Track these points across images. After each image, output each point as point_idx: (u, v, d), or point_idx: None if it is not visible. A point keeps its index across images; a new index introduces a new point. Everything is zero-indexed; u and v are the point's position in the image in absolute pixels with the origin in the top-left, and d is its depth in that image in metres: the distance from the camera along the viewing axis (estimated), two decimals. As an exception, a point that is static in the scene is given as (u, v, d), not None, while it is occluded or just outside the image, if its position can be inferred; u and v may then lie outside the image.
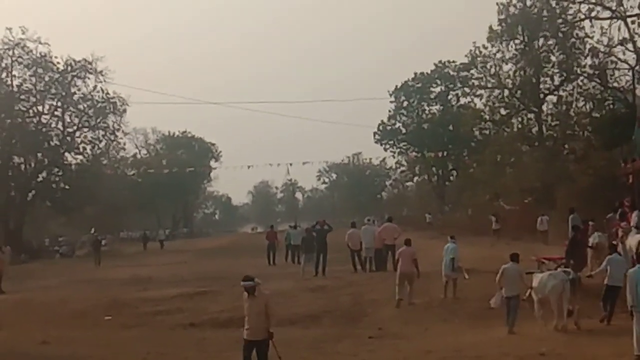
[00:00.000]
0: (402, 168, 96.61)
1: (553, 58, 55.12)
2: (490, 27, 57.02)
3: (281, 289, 26.04)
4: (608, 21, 50.17)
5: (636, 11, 48.17)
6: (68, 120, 66.35)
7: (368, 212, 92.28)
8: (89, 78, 64.89)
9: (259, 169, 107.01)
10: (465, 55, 63.12)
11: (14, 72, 62.59)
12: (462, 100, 78.82)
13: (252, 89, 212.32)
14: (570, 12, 53.01)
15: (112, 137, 68.36)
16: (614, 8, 49.25)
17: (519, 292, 18.79)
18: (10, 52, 61.40)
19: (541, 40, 55.61)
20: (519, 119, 59.29)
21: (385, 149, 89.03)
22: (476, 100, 67.23)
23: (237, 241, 72.73)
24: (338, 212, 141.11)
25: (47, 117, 65.25)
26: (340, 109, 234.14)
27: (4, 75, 62.19)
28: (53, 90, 64.06)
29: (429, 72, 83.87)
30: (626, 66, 50.21)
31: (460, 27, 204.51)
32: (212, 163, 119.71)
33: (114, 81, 66.23)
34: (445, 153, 78.74)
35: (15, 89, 62.81)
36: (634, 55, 49.02)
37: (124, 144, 74.67)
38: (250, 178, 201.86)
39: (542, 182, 50.72)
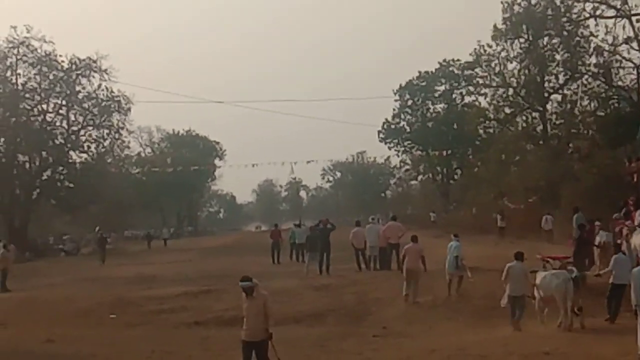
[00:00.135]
0: (407, 167, 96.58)
1: (558, 57, 55.11)
2: (495, 26, 57.07)
3: (286, 287, 26.13)
4: (613, 20, 50.18)
5: (641, 10, 48.22)
6: (73, 118, 66.48)
7: (372, 211, 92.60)
8: (93, 76, 65.02)
9: (263, 168, 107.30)
10: (470, 54, 63.26)
11: (19, 71, 62.71)
12: (467, 99, 79.15)
13: (257, 88, 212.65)
14: (575, 10, 53.01)
15: (117, 136, 68.34)
16: (618, 7, 49.25)
17: (524, 292, 18.81)
18: (15, 51, 61.46)
19: (546, 39, 55.62)
20: (524, 117, 59.30)
21: (390, 148, 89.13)
22: (481, 98, 67.52)
23: (242, 240, 72.71)
24: (342, 210, 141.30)
25: (52, 115, 65.37)
26: (344, 107, 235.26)
27: (8, 73, 62.31)
28: (58, 89, 64.09)
29: (433, 70, 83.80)
30: (631, 65, 50.17)
31: (464, 26, 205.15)
32: (217, 162, 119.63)
33: (119, 80, 66.37)
34: (449, 152, 78.63)
35: (20, 87, 62.89)
36: (639, 54, 49.04)
37: (129, 142, 74.55)
38: (255, 177, 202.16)
39: (547, 181, 50.66)
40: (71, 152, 67.29)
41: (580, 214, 30.95)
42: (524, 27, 55.71)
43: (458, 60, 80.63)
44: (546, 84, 56.29)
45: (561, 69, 55.17)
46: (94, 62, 63.98)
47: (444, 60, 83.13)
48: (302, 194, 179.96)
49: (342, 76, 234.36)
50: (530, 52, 55.52)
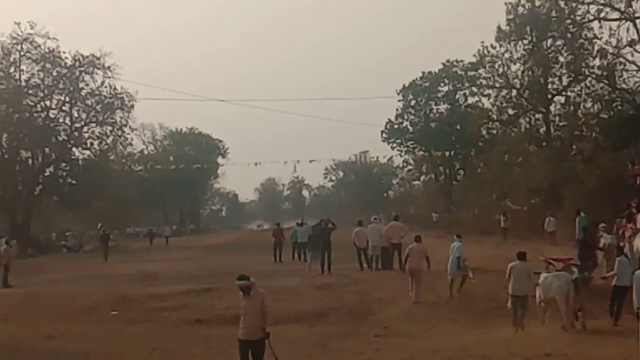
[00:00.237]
0: (409, 167, 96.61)
1: (561, 58, 55.07)
2: (499, 27, 56.98)
3: (287, 286, 26.17)
4: (617, 22, 50.12)
5: (645, 12, 48.18)
6: (76, 115, 66.55)
7: (375, 211, 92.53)
8: (97, 73, 65.08)
9: (266, 166, 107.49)
10: (474, 55, 63.15)
11: (22, 67, 62.83)
12: (470, 100, 78.91)
13: (260, 87, 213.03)
14: (579, 12, 52.93)
15: (120, 133, 68.35)
16: (622, 9, 49.19)
17: (527, 293, 18.81)
18: (19, 47, 61.53)
19: (549, 41, 55.56)
20: (527, 119, 59.23)
21: (393, 148, 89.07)
22: (484, 99, 67.24)
23: (244, 238, 72.78)
24: (345, 210, 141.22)
25: (55, 112, 65.48)
26: (347, 107, 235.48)
27: (12, 69, 62.38)
28: (61, 85, 64.20)
29: (436, 71, 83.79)
30: (635, 67, 50.08)
31: (467, 26, 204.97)
32: (219, 160, 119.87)
33: (122, 77, 66.48)
34: (452, 152, 78.62)
35: (24, 83, 62.96)
36: (643, 57, 49.02)
37: (132, 139, 74.56)
38: (257, 175, 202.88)
39: (550, 182, 50.65)
40: (74, 149, 67.45)
41: (583, 216, 30.99)
42: (528, 28, 55.65)
43: (461, 61, 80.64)
44: (550, 86, 56.25)
45: (565, 71, 55.12)
46: (98, 59, 64.13)
47: (448, 61, 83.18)
48: (305, 193, 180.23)
49: (345, 75, 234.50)
50: (534, 53, 55.47)
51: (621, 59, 50.69)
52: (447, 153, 77.53)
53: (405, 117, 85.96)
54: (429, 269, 23.90)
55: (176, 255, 49.35)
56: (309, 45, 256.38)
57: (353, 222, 39.11)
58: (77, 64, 63.95)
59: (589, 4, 51.79)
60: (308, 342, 18.48)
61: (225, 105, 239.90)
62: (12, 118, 61.71)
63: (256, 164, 76.08)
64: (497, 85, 60.02)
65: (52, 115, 65.13)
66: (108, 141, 68.27)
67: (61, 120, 65.97)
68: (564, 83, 55.63)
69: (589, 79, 53.42)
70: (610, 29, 50.32)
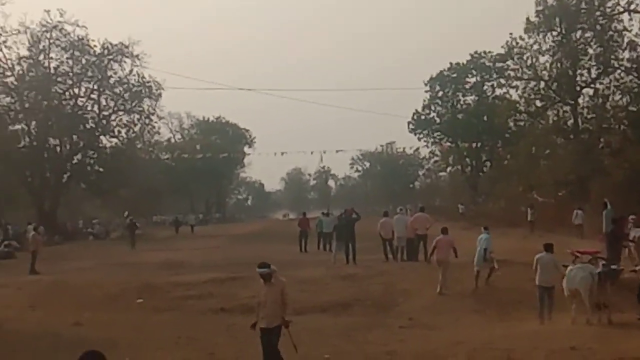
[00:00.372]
0: (436, 158, 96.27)
1: (590, 50, 54.81)
2: (528, 19, 56.81)
3: (313, 276, 26.17)
4: (647, 14, 49.81)
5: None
6: (104, 103, 66.96)
7: (400, 201, 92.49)
8: (125, 62, 65.51)
9: (292, 156, 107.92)
10: (502, 46, 62.97)
11: (52, 55, 63.24)
12: (498, 91, 78.93)
13: (288, 77, 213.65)
14: (609, 4, 52.70)
15: (147, 121, 68.71)
16: (654, 1, 48.90)
17: (553, 284, 18.71)
18: (48, 35, 61.88)
19: (579, 33, 55.29)
20: (555, 111, 58.98)
21: (419, 139, 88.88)
22: (511, 91, 67.16)
23: (270, 227, 72.78)
24: (370, 200, 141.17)
25: (83, 100, 65.87)
26: (374, 98, 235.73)
27: (41, 57, 62.70)
28: (89, 73, 64.55)
29: (464, 62, 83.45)
30: (665, 60, 49.79)
31: (495, 19, 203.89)
32: (246, 149, 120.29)
33: (150, 65, 66.74)
34: (479, 144, 78.54)
35: (53, 71, 63.35)
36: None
37: (159, 128, 74.87)
38: (284, 165, 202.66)
39: (577, 175, 50.44)
40: (102, 137, 67.91)
41: (609, 208, 30.79)
42: (557, 20, 55.41)
43: (490, 52, 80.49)
44: (578, 78, 56.00)
45: (594, 63, 54.88)
46: (126, 47, 64.45)
47: (475, 52, 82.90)
48: (331, 183, 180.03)
49: (373, 67, 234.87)
50: (562, 45, 55.21)
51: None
52: (473, 144, 77.46)
53: (433, 108, 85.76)
54: (456, 258, 23.84)
55: (202, 244, 49.46)
56: (338, 38, 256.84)
57: (379, 213, 38.99)
58: (106, 52, 64.30)
59: (619, -5, 51.52)
60: (333, 332, 18.45)
61: (253, 95, 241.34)
62: (41, 105, 61.93)
63: (282, 153, 76.59)
64: (525, 77, 59.78)
65: (80, 103, 65.58)
66: (135, 129, 68.70)
67: (89, 108, 66.46)
68: (593, 75, 55.37)
69: (618, 71, 53.16)
70: (641, 21, 50.06)
